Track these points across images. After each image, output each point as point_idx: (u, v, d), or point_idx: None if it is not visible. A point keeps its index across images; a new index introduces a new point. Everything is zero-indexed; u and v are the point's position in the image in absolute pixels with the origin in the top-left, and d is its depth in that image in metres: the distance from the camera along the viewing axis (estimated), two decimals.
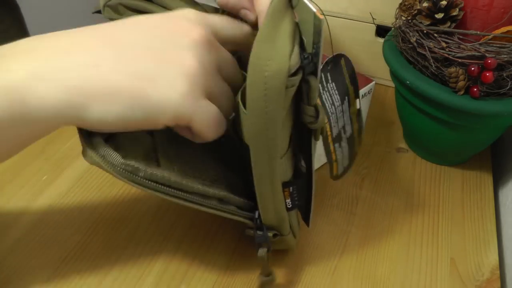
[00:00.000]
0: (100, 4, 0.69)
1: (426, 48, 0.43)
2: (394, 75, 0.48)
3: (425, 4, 0.43)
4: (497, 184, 0.52)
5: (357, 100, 0.37)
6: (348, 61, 0.35)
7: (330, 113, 0.34)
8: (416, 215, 0.46)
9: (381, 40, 0.61)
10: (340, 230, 0.44)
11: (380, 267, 0.41)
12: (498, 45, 0.40)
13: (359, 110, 0.37)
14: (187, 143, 0.35)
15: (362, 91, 0.49)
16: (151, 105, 0.28)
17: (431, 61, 0.43)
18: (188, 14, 0.33)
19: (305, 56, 0.28)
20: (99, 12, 0.71)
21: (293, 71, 0.27)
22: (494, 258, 0.42)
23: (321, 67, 0.31)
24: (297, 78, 0.28)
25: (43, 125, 0.29)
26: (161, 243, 0.42)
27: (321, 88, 0.32)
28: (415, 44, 0.44)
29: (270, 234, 0.36)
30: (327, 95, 0.33)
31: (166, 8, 0.66)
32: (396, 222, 0.45)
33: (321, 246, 0.43)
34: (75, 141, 0.53)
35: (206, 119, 0.30)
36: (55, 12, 1.29)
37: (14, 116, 0.27)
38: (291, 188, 0.34)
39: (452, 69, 0.42)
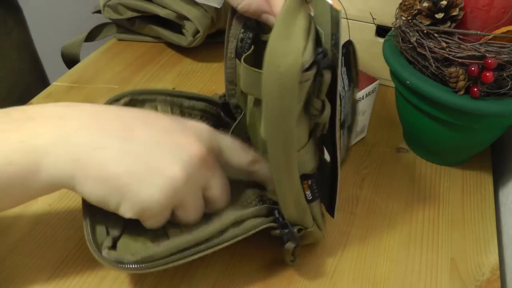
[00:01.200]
0: (100, 4, 0.69)
1: (426, 48, 0.43)
2: (394, 75, 0.48)
3: (425, 4, 0.43)
4: (497, 184, 0.52)
5: (356, 89, 0.37)
6: (355, 49, 0.35)
7: (341, 97, 0.35)
8: (416, 215, 0.46)
9: (381, 40, 0.60)
10: (340, 230, 0.44)
11: (380, 267, 0.41)
12: (498, 45, 0.40)
13: (357, 102, 0.38)
14: None
15: (366, 90, 0.50)
16: (127, 200, 0.32)
17: (431, 61, 0.43)
18: (200, 129, 0.36)
19: (319, 51, 0.29)
20: (99, 12, 0.71)
21: (306, 66, 0.28)
22: (494, 258, 0.42)
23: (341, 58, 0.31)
24: (311, 73, 0.29)
25: (44, 187, 0.32)
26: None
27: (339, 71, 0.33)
28: (415, 44, 0.44)
29: (295, 229, 0.36)
30: (341, 78, 0.33)
31: (166, 8, 0.66)
32: (396, 222, 0.45)
33: (321, 246, 0.43)
34: None
35: (161, 222, 0.35)
36: (56, 12, 1.29)
37: (27, 174, 0.31)
38: (309, 181, 0.35)
39: (452, 69, 0.42)
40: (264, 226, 0.36)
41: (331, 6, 0.28)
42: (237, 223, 0.36)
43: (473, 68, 0.41)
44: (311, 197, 0.36)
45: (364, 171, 0.51)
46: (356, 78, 0.37)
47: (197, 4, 0.65)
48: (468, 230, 0.45)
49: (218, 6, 0.64)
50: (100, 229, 0.35)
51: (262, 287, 0.39)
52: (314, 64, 0.29)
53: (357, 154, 0.53)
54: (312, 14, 0.31)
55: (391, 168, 0.52)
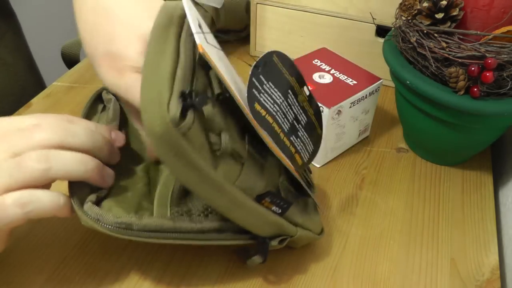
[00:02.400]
0: None
1: (426, 48, 0.43)
2: (394, 75, 0.48)
3: (425, 4, 0.43)
4: (497, 184, 0.52)
5: (304, 87, 0.37)
6: (281, 55, 0.34)
7: (274, 113, 0.34)
8: (416, 215, 0.46)
9: (381, 40, 0.60)
10: (340, 230, 0.44)
11: (380, 267, 0.41)
12: (498, 45, 0.40)
13: (309, 96, 0.37)
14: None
15: (369, 89, 0.50)
16: None
17: (431, 61, 0.43)
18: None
19: (185, 93, 0.28)
20: None
21: (177, 119, 0.27)
22: (494, 258, 0.42)
23: (251, 72, 0.31)
24: (188, 119, 0.27)
25: None
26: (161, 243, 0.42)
27: (257, 93, 0.32)
28: (415, 44, 0.44)
29: (275, 243, 0.36)
30: (265, 96, 0.33)
31: None
32: (396, 222, 0.45)
33: (321, 246, 0.43)
34: None
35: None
36: (56, 13, 1.29)
37: None
38: (267, 198, 0.34)
39: (452, 69, 0.42)
40: (242, 241, 0.36)
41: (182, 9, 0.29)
42: (219, 230, 0.35)
43: (473, 68, 0.41)
44: (280, 211, 0.35)
45: (364, 171, 0.51)
46: (297, 79, 0.36)
47: (197, 4, 0.65)
48: (468, 230, 0.45)
49: (218, 6, 0.64)
50: (86, 189, 0.34)
51: (262, 287, 0.39)
52: (186, 109, 0.28)
53: (357, 154, 0.53)
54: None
55: (391, 168, 0.52)
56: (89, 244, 0.42)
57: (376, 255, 0.42)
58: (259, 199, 0.34)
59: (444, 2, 0.42)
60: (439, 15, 0.42)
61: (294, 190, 0.40)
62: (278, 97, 0.34)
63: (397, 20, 0.48)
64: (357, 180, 0.50)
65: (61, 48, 0.68)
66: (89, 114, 0.41)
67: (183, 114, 0.27)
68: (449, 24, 0.42)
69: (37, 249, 0.41)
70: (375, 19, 0.59)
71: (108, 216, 0.33)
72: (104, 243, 0.42)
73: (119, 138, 0.38)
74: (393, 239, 0.44)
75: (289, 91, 0.35)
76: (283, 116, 0.35)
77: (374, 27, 0.60)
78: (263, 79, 0.32)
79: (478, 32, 0.41)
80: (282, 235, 0.37)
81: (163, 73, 0.28)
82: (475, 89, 0.42)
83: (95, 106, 0.43)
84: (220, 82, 0.33)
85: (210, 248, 0.42)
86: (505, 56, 0.40)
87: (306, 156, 0.38)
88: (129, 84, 0.34)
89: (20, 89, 0.65)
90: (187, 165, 0.28)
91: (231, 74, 0.35)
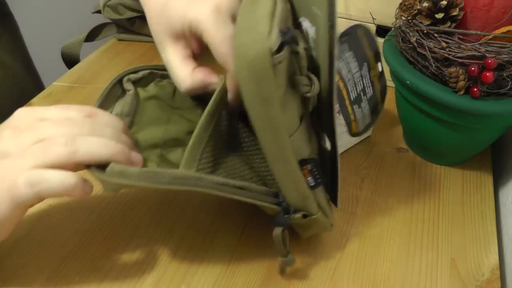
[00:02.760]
0: (100, 4, 0.69)
1: (426, 48, 0.43)
2: (394, 75, 0.48)
3: (425, 4, 0.43)
4: (497, 184, 0.52)
5: (379, 63, 0.39)
6: (366, 30, 0.36)
7: (346, 80, 0.35)
8: (416, 215, 0.46)
9: (381, 40, 0.60)
10: (340, 230, 0.44)
11: (380, 267, 0.41)
12: (498, 45, 0.40)
13: (381, 72, 0.39)
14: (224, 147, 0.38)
15: None
16: None
17: (431, 61, 0.43)
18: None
19: (284, 31, 0.29)
20: (99, 12, 0.71)
21: (275, 48, 0.28)
22: (494, 258, 0.42)
23: (335, 40, 0.31)
24: (283, 54, 0.29)
25: None
26: (161, 243, 0.42)
27: (335, 60, 0.33)
28: (415, 44, 0.44)
29: (298, 215, 0.36)
30: (343, 63, 0.34)
31: None
32: (396, 222, 0.45)
33: (321, 246, 0.43)
34: None
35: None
36: (56, 13, 1.29)
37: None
38: (309, 165, 0.34)
39: (452, 69, 0.42)
40: (266, 204, 0.36)
41: None
42: (244, 188, 0.35)
43: (473, 68, 0.41)
44: (313, 183, 0.35)
45: (364, 171, 0.51)
46: (374, 55, 0.37)
47: None
48: (468, 230, 0.45)
49: None
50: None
51: (261, 287, 0.39)
52: (283, 45, 0.29)
53: (357, 154, 0.53)
54: None
55: (391, 168, 0.52)
56: (89, 244, 0.42)
57: (376, 255, 0.42)
58: (302, 163, 0.34)
59: (444, 2, 0.42)
60: (439, 15, 0.42)
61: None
62: (354, 67, 0.36)
63: (397, 20, 0.48)
64: (357, 180, 0.50)
65: (61, 48, 0.68)
66: (107, 99, 0.41)
67: (280, 48, 0.28)
68: (449, 24, 0.42)
69: (37, 249, 0.41)
70: (375, 19, 0.59)
71: (131, 169, 0.33)
72: (104, 243, 0.42)
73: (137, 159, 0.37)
74: (393, 239, 0.44)
75: (365, 63, 0.37)
76: (353, 86, 0.37)
77: (374, 27, 0.60)
78: (347, 47, 0.34)
79: (478, 32, 0.41)
80: (303, 211, 0.37)
81: (262, 10, 0.29)
82: (475, 89, 0.42)
83: (113, 91, 0.42)
84: (306, 42, 0.34)
85: (210, 248, 0.42)
86: (505, 56, 0.40)
87: (361, 127, 0.39)
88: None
89: (18, 90, 0.65)
90: (262, 96, 0.29)
91: None
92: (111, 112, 0.41)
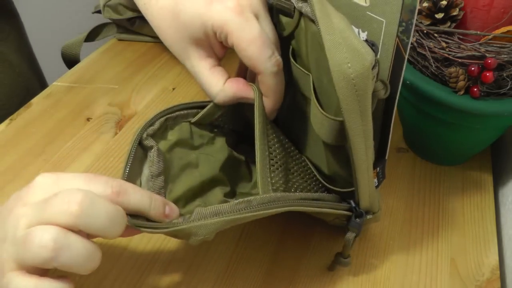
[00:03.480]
0: (100, 4, 0.69)
1: (426, 48, 0.43)
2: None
3: (425, 4, 0.43)
4: (497, 184, 0.52)
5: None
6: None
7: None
8: (416, 215, 0.46)
9: None
10: (340, 230, 0.44)
11: (380, 267, 0.41)
12: (498, 45, 0.40)
13: None
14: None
15: None
16: None
17: (431, 61, 0.43)
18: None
19: (371, 43, 0.30)
20: (99, 12, 0.71)
21: (373, 63, 0.29)
22: (494, 258, 0.42)
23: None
24: (376, 69, 0.30)
25: None
26: (161, 243, 0.42)
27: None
28: (415, 44, 0.44)
29: (369, 216, 0.37)
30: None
31: None
32: (396, 222, 0.45)
33: (321, 246, 0.43)
34: (75, 141, 0.53)
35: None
36: (56, 13, 1.29)
37: None
38: (378, 168, 0.36)
39: (452, 69, 0.42)
40: (340, 211, 0.37)
41: None
42: (318, 199, 0.37)
43: (473, 68, 0.41)
44: (377, 184, 0.37)
45: None
46: None
47: None
48: (468, 230, 0.45)
49: None
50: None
51: (261, 287, 0.39)
52: (376, 58, 0.30)
53: None
54: (367, 3, 0.32)
55: (391, 168, 0.51)
56: None
57: (376, 255, 0.42)
58: (374, 165, 0.35)
59: (444, 2, 0.42)
60: (439, 15, 0.42)
61: None
62: None
63: None
64: None
65: (61, 48, 0.68)
66: (133, 167, 0.37)
67: (375, 62, 0.30)
68: (449, 24, 0.42)
69: None
70: None
71: (224, 205, 0.33)
72: (104, 243, 0.42)
73: (174, 211, 0.34)
74: (393, 239, 0.44)
75: None
76: None
77: None
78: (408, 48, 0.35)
79: (478, 32, 0.41)
80: (370, 211, 0.38)
81: (338, 22, 0.30)
82: (475, 89, 0.42)
83: (136, 155, 0.38)
84: None
85: (210, 248, 0.42)
86: (505, 56, 0.40)
87: None
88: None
89: (24, 89, 0.65)
90: (362, 110, 0.30)
91: None
92: (141, 181, 0.38)
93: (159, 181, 0.38)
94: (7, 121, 0.55)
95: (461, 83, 0.42)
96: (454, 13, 0.42)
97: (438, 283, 0.40)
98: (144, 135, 0.38)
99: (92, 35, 0.70)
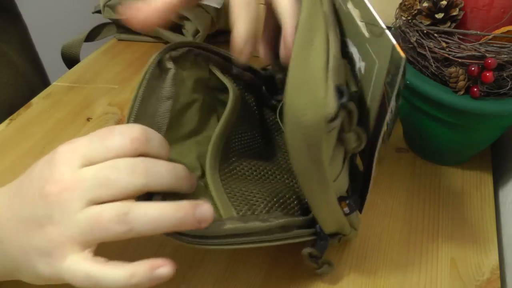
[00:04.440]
0: (100, 4, 0.69)
1: (426, 48, 0.43)
2: None
3: (425, 4, 0.43)
4: (497, 184, 0.52)
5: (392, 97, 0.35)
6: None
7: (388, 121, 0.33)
8: (416, 215, 0.46)
9: None
10: None
11: (380, 267, 0.41)
12: (498, 45, 0.40)
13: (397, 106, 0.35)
14: (236, 178, 0.38)
15: None
16: None
17: (431, 61, 0.43)
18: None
19: (342, 90, 0.27)
20: (99, 12, 0.71)
21: (330, 117, 0.26)
22: (494, 258, 0.42)
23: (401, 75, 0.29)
24: (338, 121, 0.27)
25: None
26: (161, 243, 0.42)
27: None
28: (415, 44, 0.44)
29: (335, 240, 0.38)
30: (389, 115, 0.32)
31: None
32: (396, 222, 0.45)
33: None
34: None
35: None
36: (56, 13, 1.29)
37: None
38: (347, 201, 0.35)
39: (452, 69, 0.42)
40: (305, 238, 0.36)
41: (393, 47, 0.27)
42: (284, 228, 0.35)
43: (473, 68, 0.41)
44: (348, 211, 0.36)
45: None
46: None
47: (197, 4, 0.65)
48: (468, 230, 0.45)
49: (218, 6, 0.64)
50: None
51: (261, 287, 0.39)
52: (340, 110, 0.27)
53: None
54: (367, 35, 0.30)
55: (391, 168, 0.52)
56: None
57: (376, 255, 0.42)
58: (340, 199, 0.34)
59: (444, 2, 0.42)
60: (439, 15, 0.42)
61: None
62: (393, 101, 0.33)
63: (397, 20, 0.48)
64: None
65: (61, 48, 0.68)
66: (149, 87, 0.36)
67: (336, 113, 0.27)
68: (449, 24, 0.42)
69: None
70: None
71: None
72: (104, 244, 0.42)
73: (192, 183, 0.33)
74: (393, 239, 0.44)
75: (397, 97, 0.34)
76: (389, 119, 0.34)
77: None
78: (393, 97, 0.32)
79: (478, 32, 0.41)
80: (339, 234, 0.38)
81: (316, 59, 0.27)
82: (475, 89, 0.42)
83: (154, 75, 0.37)
84: (356, 79, 0.32)
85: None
86: (505, 56, 0.40)
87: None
88: None
89: (28, 90, 0.65)
90: (313, 159, 0.28)
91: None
92: (151, 99, 0.37)
93: (167, 104, 0.37)
94: (7, 121, 0.55)
95: (461, 83, 0.42)
96: (454, 13, 0.42)
97: (438, 283, 0.40)
98: (167, 56, 0.38)
99: (92, 35, 0.70)
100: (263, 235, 0.33)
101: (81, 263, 0.29)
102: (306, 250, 0.36)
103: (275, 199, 0.37)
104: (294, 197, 0.39)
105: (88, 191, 0.28)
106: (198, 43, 0.41)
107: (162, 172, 0.30)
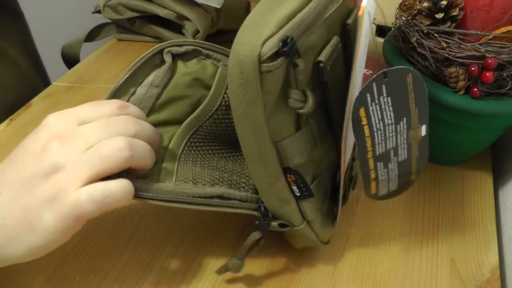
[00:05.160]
0: (100, 4, 0.69)
1: (426, 48, 0.43)
2: None
3: (425, 4, 0.43)
4: (497, 184, 0.52)
5: (423, 126, 0.34)
6: (418, 79, 0.32)
7: (375, 129, 0.32)
8: (416, 215, 0.46)
9: (381, 40, 0.60)
10: (340, 230, 0.44)
11: (380, 267, 0.41)
12: (498, 45, 0.40)
13: (423, 138, 0.34)
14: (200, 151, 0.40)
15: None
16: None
17: (431, 61, 0.43)
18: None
19: (286, 41, 0.27)
20: (99, 12, 0.71)
21: (265, 57, 0.27)
22: (494, 258, 0.42)
23: (375, 75, 0.30)
24: (276, 64, 0.27)
25: None
26: (161, 243, 0.42)
27: (369, 99, 0.30)
28: (415, 44, 0.44)
29: (275, 223, 0.35)
30: (376, 108, 0.31)
31: (166, 8, 0.67)
32: (396, 222, 0.45)
33: (321, 246, 0.43)
34: None
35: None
36: (56, 13, 1.29)
37: None
38: (292, 176, 0.33)
39: (452, 69, 0.42)
40: (245, 210, 0.36)
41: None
42: (223, 197, 0.35)
43: (473, 68, 0.41)
44: (298, 194, 0.34)
45: None
46: (419, 113, 0.33)
47: (197, 4, 0.65)
48: (468, 230, 0.45)
49: (218, 6, 0.64)
50: None
51: (261, 287, 0.39)
52: (278, 55, 0.27)
53: None
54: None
55: None
56: (89, 244, 0.42)
57: (376, 254, 0.42)
58: (287, 170, 0.33)
59: (444, 2, 0.42)
60: (439, 15, 0.42)
61: (328, 191, 0.38)
62: (389, 117, 0.32)
63: (397, 20, 0.48)
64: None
65: (61, 48, 0.68)
66: (144, 65, 0.41)
67: (274, 57, 0.27)
68: (449, 24, 0.42)
69: None
70: (375, 19, 0.59)
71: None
72: (104, 243, 0.42)
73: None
74: (393, 239, 0.44)
75: (404, 119, 0.33)
76: (382, 139, 0.33)
77: (374, 27, 0.60)
78: (383, 90, 0.31)
79: (478, 32, 0.41)
80: (284, 220, 0.36)
81: (285, 9, 0.28)
82: (475, 89, 0.42)
83: (152, 60, 0.41)
84: (332, 54, 0.32)
85: (210, 248, 0.42)
86: (505, 56, 0.40)
87: (382, 191, 0.37)
88: None
89: (30, 90, 0.65)
90: (246, 98, 0.28)
91: (363, 58, 0.33)
92: (143, 81, 0.40)
93: (154, 92, 0.40)
94: (7, 121, 0.55)
95: (461, 83, 0.42)
96: (454, 13, 0.42)
97: (438, 283, 0.40)
98: (166, 51, 0.40)
99: (92, 35, 0.70)
100: (199, 197, 0.35)
101: (82, 191, 0.31)
102: (256, 234, 0.36)
103: (225, 176, 0.38)
104: (247, 178, 0.39)
105: (90, 138, 0.32)
106: (205, 43, 0.42)
107: (146, 127, 0.35)
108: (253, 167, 0.32)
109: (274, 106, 0.30)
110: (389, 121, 0.32)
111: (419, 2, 0.44)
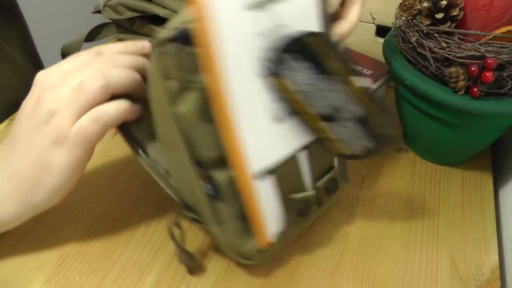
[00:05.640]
0: (100, 4, 0.69)
1: (426, 48, 0.43)
2: (394, 75, 0.48)
3: (425, 4, 0.43)
4: (497, 184, 0.52)
5: (362, 79, 0.34)
6: (324, 39, 0.33)
7: (300, 91, 0.33)
8: (416, 215, 0.46)
9: (381, 40, 0.60)
10: (340, 230, 0.44)
11: (380, 267, 0.41)
12: (498, 45, 0.40)
13: (366, 89, 0.34)
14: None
15: (381, 80, 0.49)
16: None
17: (431, 61, 0.43)
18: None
19: (182, 30, 0.30)
20: (99, 12, 0.71)
21: (161, 40, 0.30)
22: (494, 258, 0.42)
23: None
24: (165, 49, 0.30)
25: None
26: (161, 243, 0.42)
27: (274, 66, 0.32)
28: (415, 44, 0.44)
29: (189, 214, 0.37)
30: (289, 72, 0.32)
31: (166, 8, 0.66)
32: (396, 222, 0.45)
33: (321, 246, 0.43)
34: None
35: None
36: (56, 13, 1.29)
37: None
38: (204, 172, 0.34)
39: (452, 69, 0.42)
40: (172, 194, 0.37)
41: None
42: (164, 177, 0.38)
43: (473, 68, 0.41)
44: (214, 194, 0.34)
45: (364, 171, 0.51)
46: (344, 67, 0.33)
47: None
48: (468, 230, 0.45)
49: None
50: None
51: (261, 287, 0.39)
52: (173, 40, 0.30)
53: None
54: None
55: (391, 168, 0.52)
56: (89, 244, 0.42)
57: (376, 255, 0.42)
58: (198, 164, 0.33)
59: (444, 2, 0.42)
60: (439, 15, 0.42)
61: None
62: (304, 79, 0.33)
63: (397, 20, 0.48)
64: (357, 180, 0.50)
65: (61, 48, 0.68)
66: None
67: (170, 41, 0.30)
68: (449, 24, 0.42)
69: (37, 249, 0.41)
70: (375, 19, 0.59)
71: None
72: (104, 243, 0.42)
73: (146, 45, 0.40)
74: (393, 239, 0.44)
75: (326, 76, 0.33)
76: (315, 99, 0.33)
77: (374, 27, 0.60)
78: (289, 58, 0.32)
79: (478, 32, 0.41)
80: (195, 213, 0.37)
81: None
82: (475, 89, 0.42)
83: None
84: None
85: (210, 248, 0.42)
86: (505, 56, 0.40)
87: (355, 148, 0.35)
88: None
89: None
90: (150, 70, 0.33)
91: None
92: None
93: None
94: (7, 121, 0.55)
95: (461, 83, 0.42)
96: (454, 13, 0.42)
97: (438, 283, 0.40)
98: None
99: (92, 35, 0.70)
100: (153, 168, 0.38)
101: (81, 119, 0.35)
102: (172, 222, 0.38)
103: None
104: None
105: (72, 81, 0.35)
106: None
107: (125, 59, 0.37)
108: (165, 146, 0.35)
109: (179, 89, 0.32)
110: (306, 81, 0.33)
111: (419, 2, 0.44)
